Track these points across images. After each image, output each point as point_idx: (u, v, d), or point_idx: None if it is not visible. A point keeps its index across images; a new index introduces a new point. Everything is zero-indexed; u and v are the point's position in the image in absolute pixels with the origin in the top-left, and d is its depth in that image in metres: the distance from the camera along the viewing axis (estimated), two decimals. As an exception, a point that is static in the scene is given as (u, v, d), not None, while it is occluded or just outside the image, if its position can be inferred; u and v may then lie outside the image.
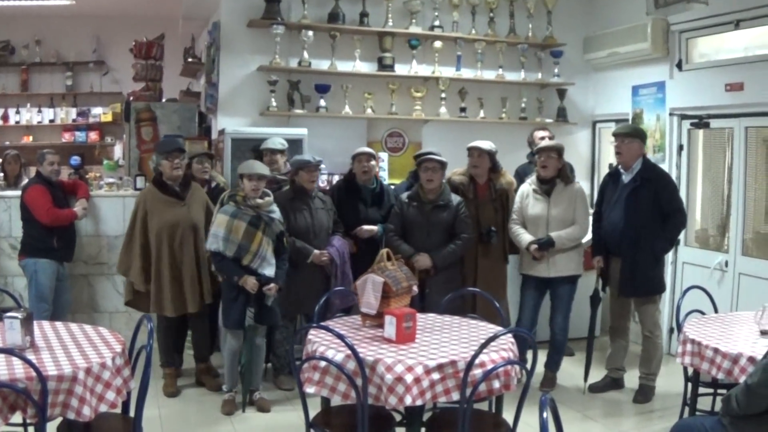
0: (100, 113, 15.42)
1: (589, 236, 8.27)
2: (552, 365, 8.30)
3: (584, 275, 8.41)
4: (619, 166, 7.94)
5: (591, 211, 8.45)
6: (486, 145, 8.16)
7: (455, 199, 7.94)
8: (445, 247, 7.80)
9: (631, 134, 7.84)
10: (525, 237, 7.99)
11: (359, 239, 8.23)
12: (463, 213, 7.88)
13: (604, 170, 10.16)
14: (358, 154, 8.34)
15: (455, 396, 4.95)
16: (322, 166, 8.51)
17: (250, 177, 7.20)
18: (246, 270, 7.18)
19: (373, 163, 8.33)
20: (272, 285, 7.23)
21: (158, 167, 7.90)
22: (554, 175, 8.00)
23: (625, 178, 7.84)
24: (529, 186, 8.15)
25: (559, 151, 8.03)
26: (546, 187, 8.01)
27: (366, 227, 8.21)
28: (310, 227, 7.87)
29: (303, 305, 7.89)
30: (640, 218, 7.64)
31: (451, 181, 8.25)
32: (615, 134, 7.98)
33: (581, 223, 8.04)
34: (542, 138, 9.09)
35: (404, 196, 8.06)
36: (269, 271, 7.24)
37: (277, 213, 7.37)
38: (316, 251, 7.82)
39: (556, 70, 10.84)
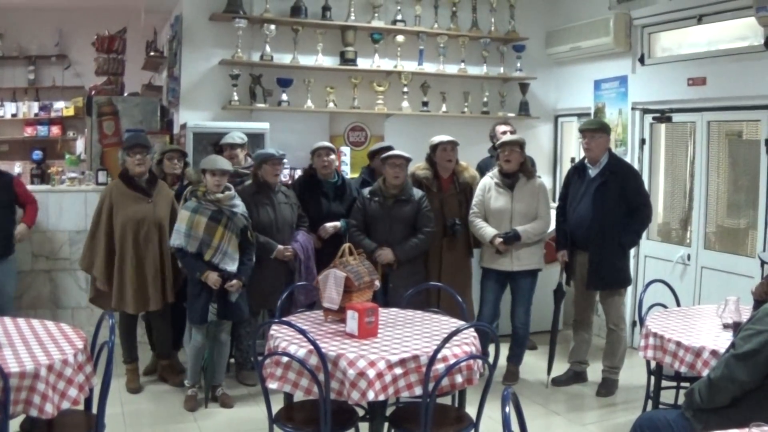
0: (62, 107, 15.24)
1: (551, 228, 8.31)
2: (514, 359, 8.31)
3: (547, 269, 8.44)
4: (585, 161, 7.97)
5: (554, 204, 8.48)
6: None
7: (417, 193, 7.93)
8: (407, 241, 7.80)
9: (599, 129, 7.86)
10: (488, 230, 7.97)
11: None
12: (425, 207, 7.88)
13: (567, 164, 10.24)
14: (317, 148, 8.30)
15: (418, 391, 4.97)
16: (285, 160, 8.49)
17: (212, 172, 7.17)
18: (208, 265, 7.15)
19: (332, 157, 8.30)
20: (234, 281, 7.19)
21: (123, 163, 7.84)
22: (517, 169, 8.01)
23: (592, 172, 7.86)
24: (491, 179, 8.12)
25: (521, 145, 8.03)
26: (509, 181, 8.00)
27: (329, 225, 8.17)
28: (273, 222, 7.82)
29: (267, 301, 7.82)
30: (608, 212, 7.67)
31: (414, 175, 8.24)
32: (583, 130, 7.96)
33: (544, 217, 8.05)
34: (504, 132, 9.11)
35: (366, 191, 8.06)
36: (232, 266, 7.20)
37: (240, 207, 7.32)
38: (280, 246, 7.78)
39: (518, 65, 10.86)
